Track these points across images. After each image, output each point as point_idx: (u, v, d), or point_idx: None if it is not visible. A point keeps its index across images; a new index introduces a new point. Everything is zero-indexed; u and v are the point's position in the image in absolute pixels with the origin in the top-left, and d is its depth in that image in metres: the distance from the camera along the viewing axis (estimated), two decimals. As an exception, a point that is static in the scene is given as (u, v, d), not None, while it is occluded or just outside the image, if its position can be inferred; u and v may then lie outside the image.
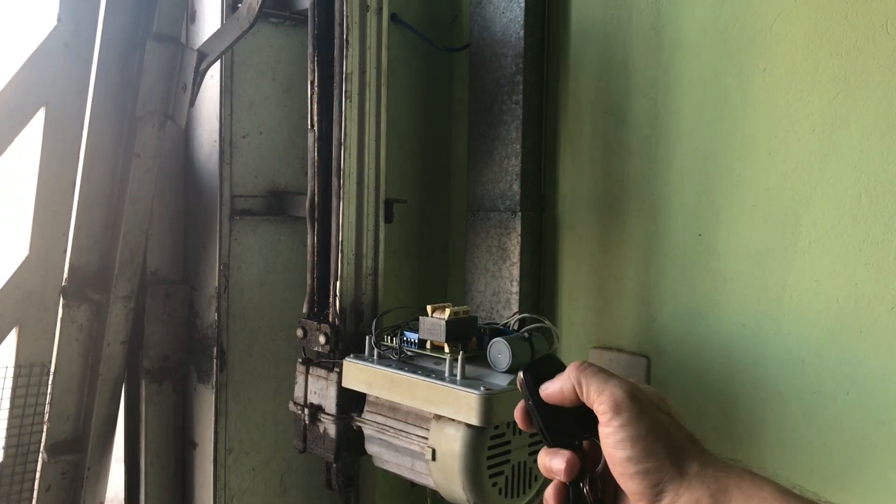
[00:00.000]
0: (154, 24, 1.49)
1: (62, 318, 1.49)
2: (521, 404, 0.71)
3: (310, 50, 1.36)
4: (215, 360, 1.55)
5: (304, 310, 1.38)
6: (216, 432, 1.55)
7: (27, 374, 1.46)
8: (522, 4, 1.56)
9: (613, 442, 0.63)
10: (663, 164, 1.44)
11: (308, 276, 1.38)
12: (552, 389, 0.68)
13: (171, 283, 1.62)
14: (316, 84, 1.35)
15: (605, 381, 0.65)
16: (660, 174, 1.44)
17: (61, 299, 1.48)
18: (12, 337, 1.46)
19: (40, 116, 1.44)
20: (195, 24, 1.60)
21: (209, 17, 1.56)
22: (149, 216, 1.53)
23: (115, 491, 1.66)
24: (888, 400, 1.17)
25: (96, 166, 1.49)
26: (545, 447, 0.70)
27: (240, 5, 1.38)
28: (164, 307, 1.59)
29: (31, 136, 1.46)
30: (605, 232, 1.53)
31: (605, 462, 0.66)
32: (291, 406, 1.37)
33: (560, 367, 0.70)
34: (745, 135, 1.33)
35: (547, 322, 1.20)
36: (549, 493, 0.68)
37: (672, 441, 0.63)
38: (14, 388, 1.45)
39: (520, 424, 0.72)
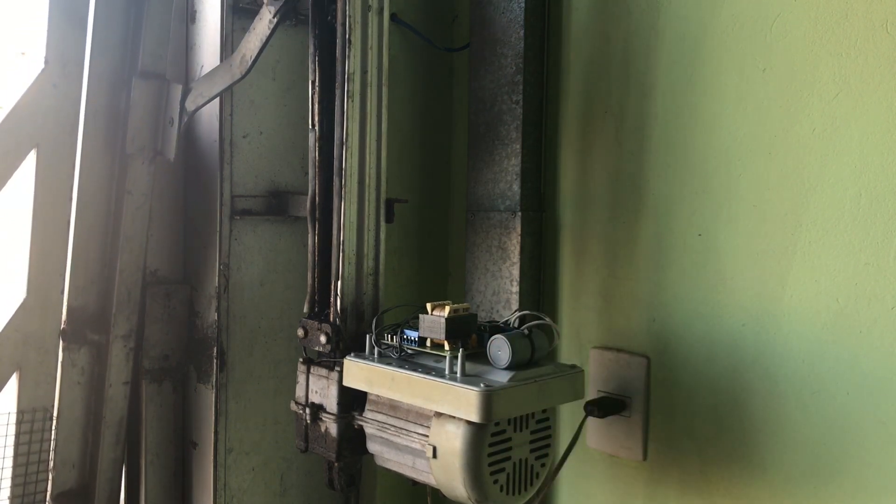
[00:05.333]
0: (139, 61, 1.50)
1: (62, 362, 1.48)
2: None
3: (311, 50, 1.36)
4: (215, 360, 1.55)
5: (305, 309, 1.38)
6: (216, 432, 1.55)
7: (30, 419, 1.44)
8: (522, 4, 1.56)
9: None
10: (663, 164, 1.44)
11: (309, 275, 1.38)
12: None
13: (171, 283, 1.62)
14: (317, 84, 1.36)
15: None
16: (660, 174, 1.44)
17: (61, 342, 1.48)
18: (13, 382, 1.44)
19: (32, 158, 1.45)
20: (195, 25, 1.61)
21: (210, 17, 1.57)
22: (144, 253, 1.54)
23: (115, 491, 1.66)
24: (888, 400, 1.17)
25: (89, 205, 1.50)
26: None
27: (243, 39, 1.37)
28: (164, 307, 1.59)
29: (24, 178, 1.46)
30: (605, 232, 1.53)
31: None
32: (293, 406, 1.37)
33: None
34: (745, 135, 1.33)
35: (547, 319, 1.20)
36: None
37: None
38: (17, 435, 1.43)
39: None
